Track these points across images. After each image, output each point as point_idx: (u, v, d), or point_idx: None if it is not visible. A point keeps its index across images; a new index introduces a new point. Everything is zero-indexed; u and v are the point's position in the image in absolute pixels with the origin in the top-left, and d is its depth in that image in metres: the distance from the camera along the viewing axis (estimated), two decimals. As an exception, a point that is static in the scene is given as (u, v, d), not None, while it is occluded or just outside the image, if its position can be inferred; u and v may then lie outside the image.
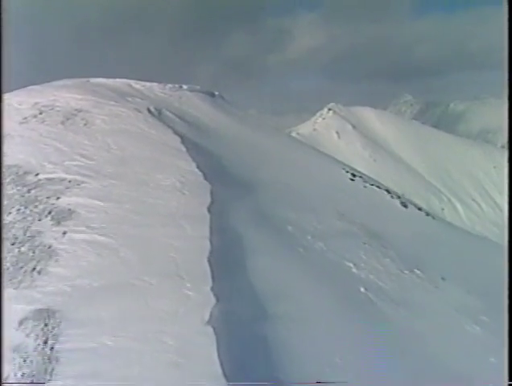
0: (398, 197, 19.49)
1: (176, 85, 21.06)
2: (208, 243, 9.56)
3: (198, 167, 12.18)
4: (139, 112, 14.99)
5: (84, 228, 9.98)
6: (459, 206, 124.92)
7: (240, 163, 14.61)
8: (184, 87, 21.39)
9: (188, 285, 8.45)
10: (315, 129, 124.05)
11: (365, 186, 18.73)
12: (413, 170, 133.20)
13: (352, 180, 18.68)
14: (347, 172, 19.23)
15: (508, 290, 6.44)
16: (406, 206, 18.70)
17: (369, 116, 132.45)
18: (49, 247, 9.52)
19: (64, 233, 9.81)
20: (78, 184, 11.36)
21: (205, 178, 11.84)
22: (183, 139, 13.77)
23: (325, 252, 13.36)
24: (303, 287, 10.91)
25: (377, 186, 19.49)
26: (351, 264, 13.41)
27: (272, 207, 13.96)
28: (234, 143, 16.62)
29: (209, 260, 9.03)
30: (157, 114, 15.86)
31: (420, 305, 13.00)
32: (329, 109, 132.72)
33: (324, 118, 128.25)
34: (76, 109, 14.58)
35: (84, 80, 18.79)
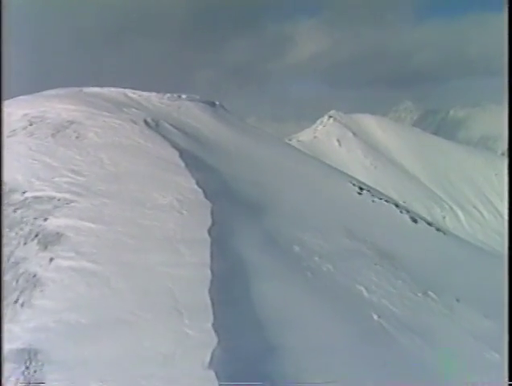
0: (408, 211, 18.70)
1: (175, 95, 20.25)
2: (208, 271, 8.74)
3: (198, 184, 11.35)
4: (135, 123, 14.16)
5: (72, 254, 9.15)
6: (460, 214, 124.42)
7: (242, 179, 13.79)
8: (183, 96, 20.58)
9: (187, 321, 7.62)
10: (315, 137, 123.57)
11: (373, 201, 17.92)
12: (414, 177, 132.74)
13: (359, 194, 17.88)
14: (354, 185, 18.43)
15: (508, 291, 6.62)
16: (415, 221, 17.89)
17: (370, 123, 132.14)
18: (34, 275, 8.70)
19: (51, 260, 8.98)
20: (67, 203, 10.54)
21: (205, 196, 11.01)
22: (182, 153, 12.94)
23: (334, 275, 12.56)
24: (311, 315, 10.12)
25: (386, 201, 18.69)
26: (362, 288, 12.59)
27: (277, 225, 13.14)
28: (236, 157, 15.79)
29: (210, 292, 8.19)
30: (154, 126, 15.03)
31: (436, 332, 12.20)
32: (330, 117, 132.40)
33: (324, 126, 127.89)
34: (67, 121, 13.76)
35: (78, 89, 17.99)
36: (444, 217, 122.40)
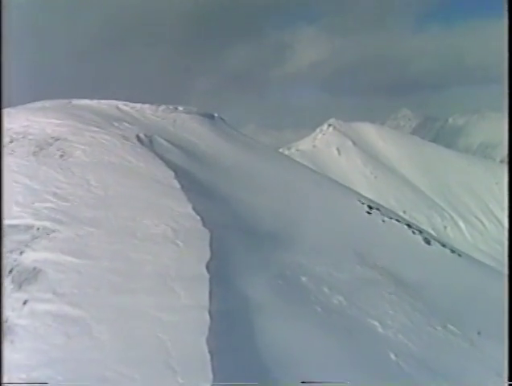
0: (420, 232, 17.62)
1: (171, 106, 19.14)
2: (207, 315, 7.63)
3: (195, 209, 10.23)
4: (126, 140, 13.05)
5: (50, 295, 8.02)
6: (461, 223, 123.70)
7: (243, 202, 12.68)
8: (180, 108, 19.47)
9: (181, 380, 6.50)
10: (315, 146, 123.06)
11: (383, 221, 16.85)
12: (414, 187, 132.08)
13: (369, 213, 16.80)
14: (362, 204, 17.35)
15: (508, 292, 6.75)
16: (429, 242, 16.81)
17: (370, 132, 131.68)
18: (5, 321, 7.55)
19: (25, 302, 7.84)
20: (48, 233, 9.41)
21: (203, 223, 9.89)
22: (178, 173, 11.83)
23: (346, 309, 11.45)
24: (323, 357, 9.03)
25: (397, 220, 17.60)
26: (376, 323, 11.49)
27: (282, 253, 12.04)
28: (237, 176, 14.70)
29: (208, 341, 7.06)
30: (147, 142, 13.92)
31: (458, 371, 11.16)
32: (329, 125, 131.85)
33: (324, 134, 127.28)
34: (52, 137, 12.64)
35: (66, 101, 16.88)
36: (445, 227, 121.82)
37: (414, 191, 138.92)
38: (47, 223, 9.65)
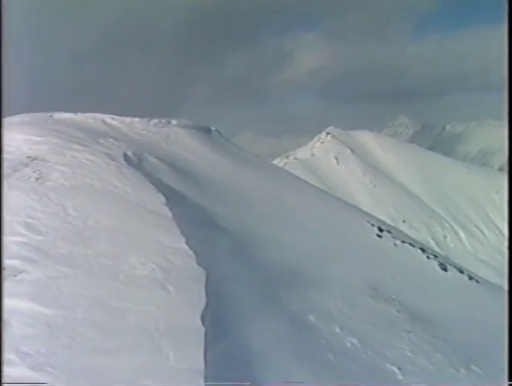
0: (435, 256, 16.30)
1: (163, 120, 17.78)
2: (201, 383, 6.26)
3: (188, 244, 8.88)
4: (112, 159, 11.71)
5: (12, 356, 6.65)
6: (461, 233, 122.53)
7: (243, 227, 11.32)
8: (173, 122, 18.11)
9: None
10: (313, 154, 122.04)
11: (395, 245, 15.55)
12: (414, 196, 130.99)
13: (379, 236, 15.49)
14: (372, 225, 16.04)
15: (508, 294, 7.00)
16: (445, 269, 15.50)
17: (369, 140, 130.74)
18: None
19: (-20, 366, 6.40)
20: (15, 275, 8.08)
21: (198, 260, 8.52)
22: (170, 198, 10.47)
23: (361, 353, 10.13)
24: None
25: (410, 244, 16.28)
26: (395, 368, 10.18)
27: (288, 287, 10.68)
28: (236, 199, 13.36)
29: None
30: (136, 161, 12.57)
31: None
32: (327, 133, 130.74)
33: (322, 142, 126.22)
34: (28, 157, 11.30)
35: (47, 115, 15.50)
36: (445, 236, 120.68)
37: (413, 200, 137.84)
38: (16, 262, 8.31)
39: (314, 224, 14.09)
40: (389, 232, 16.20)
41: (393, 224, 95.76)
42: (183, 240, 8.95)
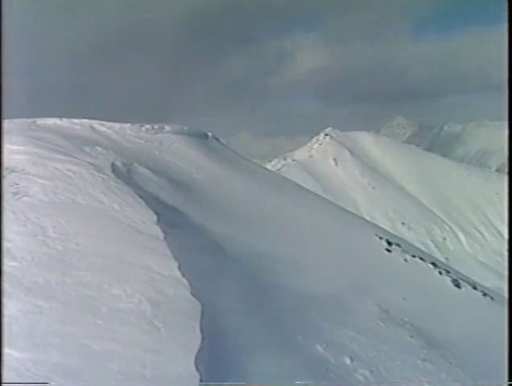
0: (448, 272, 15.32)
1: (156, 126, 16.72)
2: None
3: (181, 269, 7.87)
4: (99, 170, 10.69)
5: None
6: (461, 235, 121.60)
7: (242, 245, 10.28)
8: (167, 128, 17.04)
9: None
10: (311, 156, 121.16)
11: (405, 260, 14.56)
12: (413, 197, 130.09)
13: (389, 251, 14.49)
14: (380, 238, 15.04)
15: (508, 292, 7.42)
16: (458, 285, 14.50)
17: (367, 141, 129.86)
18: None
19: None
20: (-18, 309, 6.98)
21: (192, 291, 7.51)
22: (162, 215, 9.44)
23: (375, 387, 9.14)
24: None
25: (421, 258, 15.28)
26: (412, 404, 9.15)
27: (293, 312, 9.69)
28: (234, 212, 12.29)
29: None
30: (125, 172, 11.54)
31: None
32: (326, 135, 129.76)
33: (320, 144, 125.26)
34: (7, 168, 10.25)
35: (30, 121, 14.44)
36: (445, 238, 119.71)
37: (412, 202, 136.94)
38: (-16, 293, 7.26)
39: (321, 239, 13.09)
40: (398, 245, 15.21)
41: (392, 226, 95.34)
42: (175, 265, 7.95)
